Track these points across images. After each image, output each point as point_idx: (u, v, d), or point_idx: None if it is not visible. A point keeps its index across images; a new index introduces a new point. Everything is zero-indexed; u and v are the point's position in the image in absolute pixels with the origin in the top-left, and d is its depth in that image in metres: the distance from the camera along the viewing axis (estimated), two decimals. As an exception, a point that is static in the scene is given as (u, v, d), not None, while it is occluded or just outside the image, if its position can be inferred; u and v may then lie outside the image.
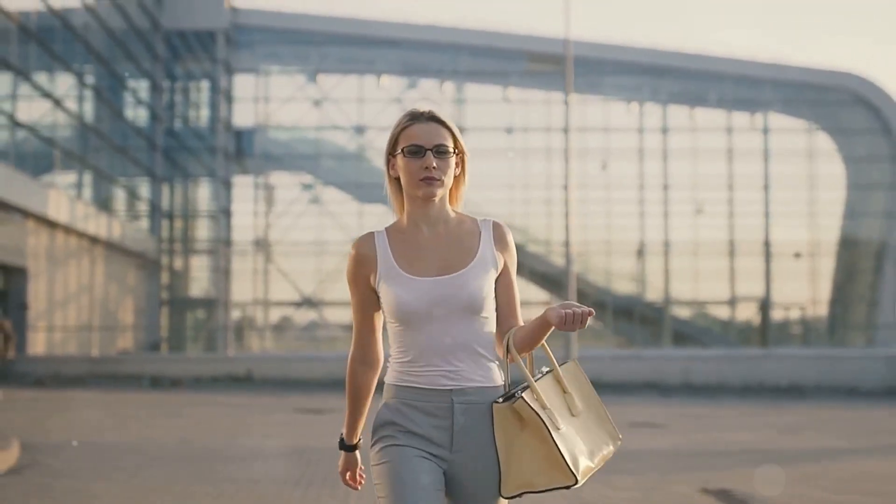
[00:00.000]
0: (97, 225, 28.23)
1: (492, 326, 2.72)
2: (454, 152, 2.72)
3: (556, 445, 2.56)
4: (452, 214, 2.77)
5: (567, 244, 20.72)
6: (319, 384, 21.17)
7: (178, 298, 35.43)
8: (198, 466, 8.81)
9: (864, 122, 34.95)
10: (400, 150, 2.69)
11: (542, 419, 2.58)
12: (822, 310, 36.05)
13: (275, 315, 36.47)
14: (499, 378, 2.72)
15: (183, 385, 21.41)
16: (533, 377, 2.66)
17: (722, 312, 36.57)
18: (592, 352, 25.01)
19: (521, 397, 2.59)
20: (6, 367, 21.51)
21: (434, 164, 2.65)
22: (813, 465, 9.22)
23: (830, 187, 35.20)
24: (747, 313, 36.53)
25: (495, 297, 2.73)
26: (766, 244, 34.81)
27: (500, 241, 2.75)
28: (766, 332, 35.01)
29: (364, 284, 2.73)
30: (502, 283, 2.75)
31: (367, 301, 2.75)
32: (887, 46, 60.62)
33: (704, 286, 35.38)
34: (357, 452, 2.90)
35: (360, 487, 2.89)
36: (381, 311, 2.77)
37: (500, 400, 2.64)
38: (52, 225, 25.28)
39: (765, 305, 35.31)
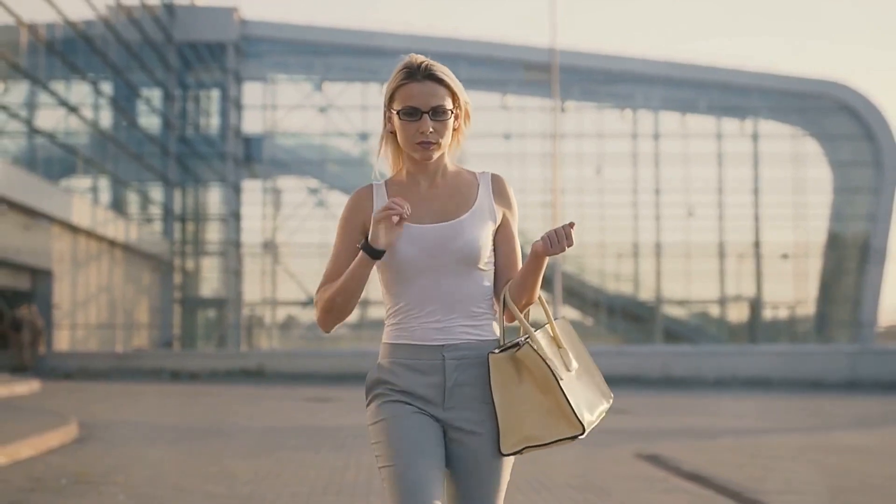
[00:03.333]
0: (115, 229, 29.40)
1: (489, 281, 2.63)
2: (452, 111, 2.58)
3: (564, 393, 2.49)
4: (451, 167, 2.67)
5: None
6: (326, 377, 22.71)
7: (190, 298, 36.39)
8: (226, 437, 10.54)
9: (848, 128, 35.70)
10: (396, 112, 2.57)
11: (549, 366, 2.50)
12: (810, 308, 36.83)
13: (281, 314, 37.42)
14: (494, 333, 2.63)
15: (200, 378, 23.05)
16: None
17: (712, 312, 37.33)
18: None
19: (528, 343, 2.52)
20: (37, 362, 23.34)
21: (430, 129, 2.54)
22: (740, 440, 10.89)
23: (817, 191, 36.03)
24: (737, 312, 37.24)
25: (495, 250, 2.64)
26: (756, 246, 35.65)
27: (499, 193, 2.66)
28: (754, 330, 35.87)
29: (357, 231, 2.67)
30: (502, 236, 2.65)
31: (351, 251, 2.64)
32: (871, 55, 61.85)
33: (695, 286, 36.13)
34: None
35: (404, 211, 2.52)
36: None
37: (497, 351, 2.55)
38: (74, 230, 26.59)
39: (754, 305, 36.17)
